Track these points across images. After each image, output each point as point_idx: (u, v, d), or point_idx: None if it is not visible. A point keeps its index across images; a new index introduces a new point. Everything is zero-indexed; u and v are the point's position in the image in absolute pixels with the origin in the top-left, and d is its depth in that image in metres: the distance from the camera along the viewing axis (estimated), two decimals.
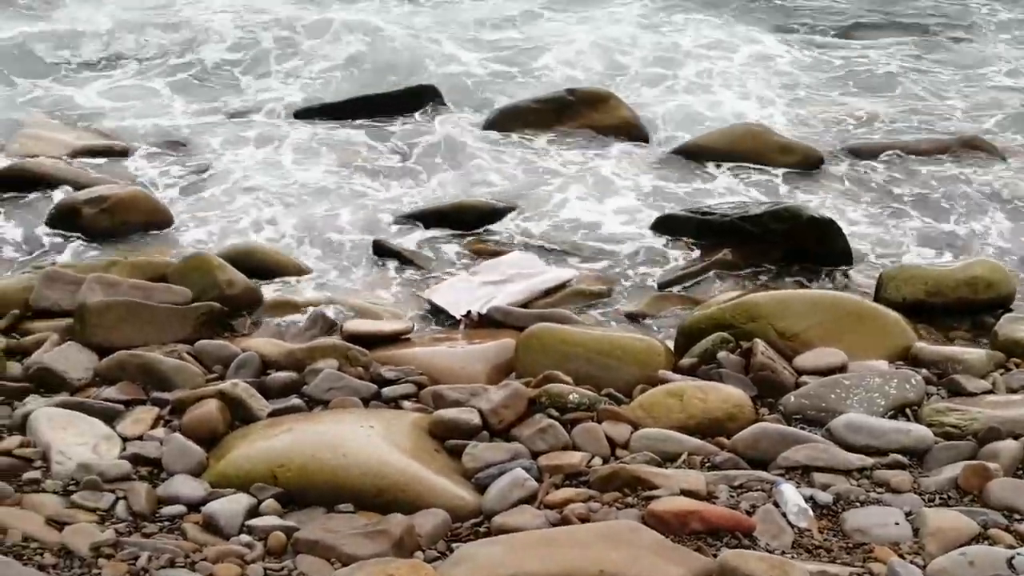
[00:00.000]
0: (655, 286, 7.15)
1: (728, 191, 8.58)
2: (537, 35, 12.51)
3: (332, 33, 12.16)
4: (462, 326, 6.53)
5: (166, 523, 4.53)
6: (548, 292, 6.87)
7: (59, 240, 7.74)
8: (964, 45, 12.54)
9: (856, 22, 13.26)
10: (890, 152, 9.22)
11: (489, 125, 9.82)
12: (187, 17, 12.76)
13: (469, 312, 6.56)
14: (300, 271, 7.17)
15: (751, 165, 8.97)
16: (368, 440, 4.84)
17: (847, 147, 9.44)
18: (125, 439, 5.12)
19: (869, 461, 4.90)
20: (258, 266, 7.01)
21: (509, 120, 9.84)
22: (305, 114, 10.14)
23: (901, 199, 8.49)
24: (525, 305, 6.64)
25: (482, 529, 4.48)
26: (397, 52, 11.88)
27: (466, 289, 6.84)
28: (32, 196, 8.31)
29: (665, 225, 7.86)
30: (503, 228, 7.90)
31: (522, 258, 7.29)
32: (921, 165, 9.03)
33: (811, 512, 4.50)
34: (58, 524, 4.43)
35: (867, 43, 12.48)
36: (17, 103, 10.45)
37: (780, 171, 8.87)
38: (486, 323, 6.50)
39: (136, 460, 4.91)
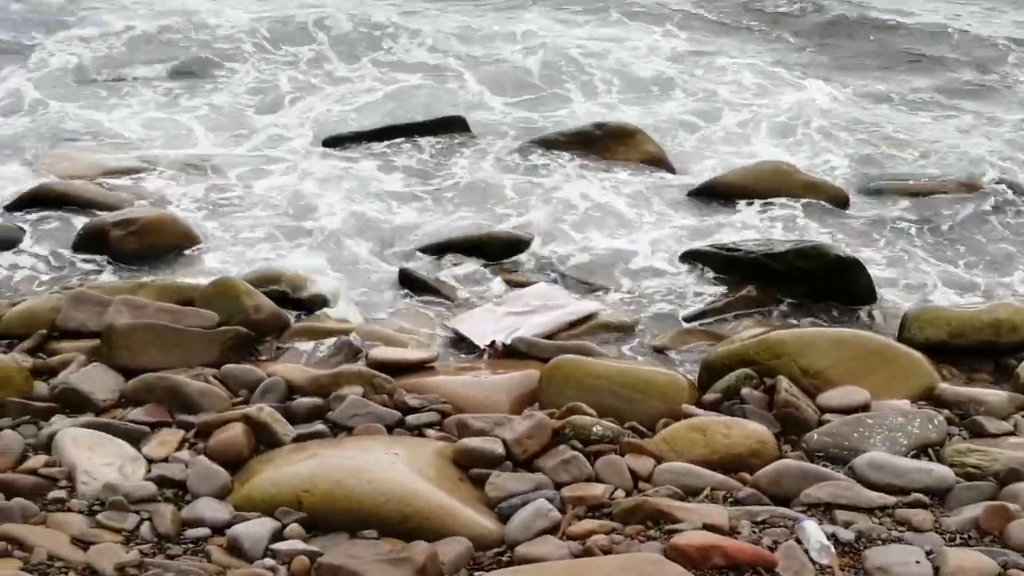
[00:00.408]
0: (679, 320, 7.16)
1: (753, 228, 8.58)
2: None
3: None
4: (486, 356, 6.55)
5: (190, 545, 4.56)
6: (573, 324, 6.88)
7: (86, 262, 7.79)
8: (994, 88, 12.52)
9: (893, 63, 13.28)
10: (917, 193, 9.22)
11: (514, 156, 9.85)
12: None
13: (493, 342, 6.59)
14: (327, 298, 7.16)
15: (776, 202, 8.97)
16: (393, 467, 4.86)
17: (874, 187, 9.44)
18: (151, 461, 5.15)
19: (891, 500, 4.90)
20: (285, 292, 7.02)
21: (535, 152, 9.87)
22: (333, 142, 10.18)
23: (927, 240, 8.49)
24: (549, 337, 6.66)
25: (504, 558, 4.49)
26: (424, 88, 11.96)
27: (490, 319, 6.87)
28: (60, 216, 8.37)
29: (690, 260, 7.87)
30: (528, 259, 7.91)
31: (548, 290, 7.31)
32: (948, 207, 9.02)
33: (833, 549, 4.50)
34: (83, 544, 4.47)
35: (902, 83, 12.47)
36: (47, 123, 10.50)
37: (805, 209, 8.86)
38: (510, 354, 6.51)
39: (161, 482, 4.94)
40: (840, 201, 9.09)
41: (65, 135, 10.16)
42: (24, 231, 8.16)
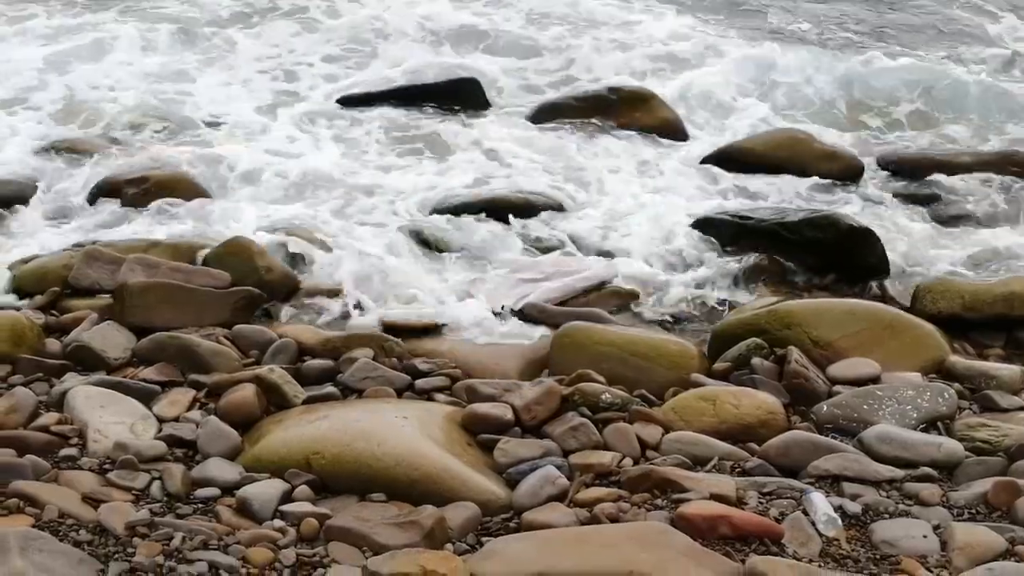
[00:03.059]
0: (690, 289, 7.14)
1: (766, 196, 8.54)
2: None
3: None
4: (497, 321, 6.55)
5: (200, 505, 4.57)
6: (585, 291, 6.87)
7: (99, 219, 7.79)
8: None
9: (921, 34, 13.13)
10: (933, 164, 9.15)
11: (530, 120, 9.82)
12: None
13: (504, 307, 6.58)
14: (337, 258, 7.12)
15: (791, 170, 8.92)
16: (402, 431, 4.88)
17: (890, 157, 9.38)
18: (161, 420, 5.18)
19: (899, 473, 4.90)
20: (296, 253, 7.01)
21: (549, 116, 9.84)
22: (348, 101, 10.15)
23: (941, 212, 8.44)
24: (561, 304, 6.65)
25: (512, 524, 4.51)
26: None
27: (503, 284, 6.86)
28: (74, 171, 8.37)
29: (702, 227, 7.82)
30: (540, 224, 7.89)
31: (562, 258, 7.30)
32: (963, 179, 8.95)
33: (840, 522, 4.51)
34: (94, 502, 4.49)
35: (925, 58, 12.35)
36: None
37: (820, 178, 8.81)
38: (521, 319, 6.52)
39: (172, 441, 4.96)
40: (856, 170, 9.03)
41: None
42: (37, 187, 8.16)
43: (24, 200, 7.96)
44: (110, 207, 7.85)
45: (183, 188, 8.01)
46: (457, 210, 7.97)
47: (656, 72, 11.15)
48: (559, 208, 8.12)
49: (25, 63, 10.48)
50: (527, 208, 8.01)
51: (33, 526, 4.26)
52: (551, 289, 6.76)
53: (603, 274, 7.07)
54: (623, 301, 6.89)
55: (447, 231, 7.67)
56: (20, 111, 9.56)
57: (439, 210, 8.00)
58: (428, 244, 7.53)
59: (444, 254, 7.43)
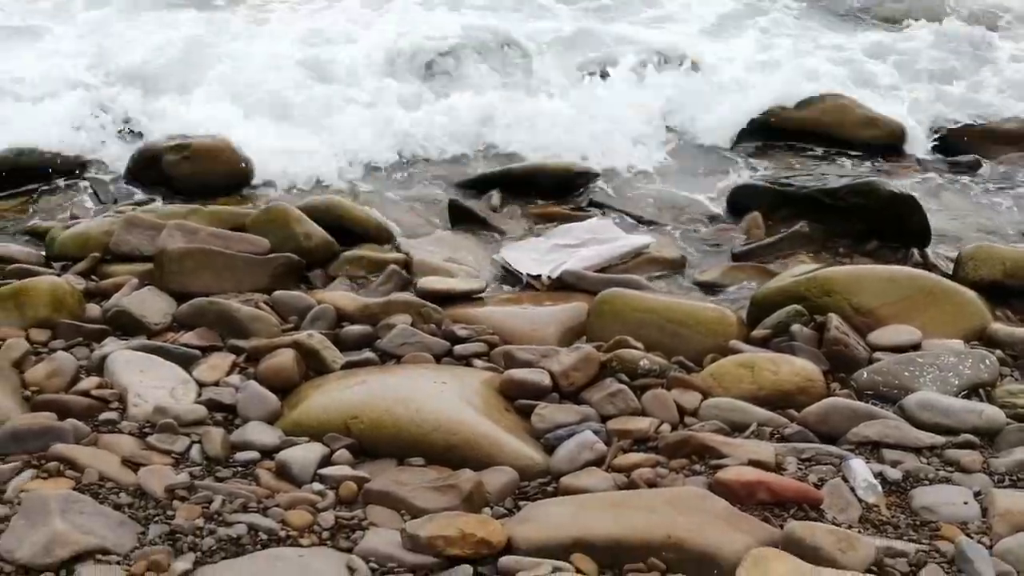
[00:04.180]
0: (729, 256, 7.13)
1: (808, 162, 8.52)
2: None
3: None
4: (533, 288, 6.54)
5: (239, 468, 4.58)
6: (622, 259, 6.86)
7: (139, 186, 7.83)
8: None
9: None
10: (976, 132, 9.10)
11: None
12: None
13: (539, 276, 6.58)
14: (378, 228, 7.14)
15: (833, 137, 8.89)
16: (441, 396, 4.89)
17: (933, 125, 9.33)
18: (201, 384, 5.18)
19: (940, 440, 4.87)
20: (335, 221, 6.98)
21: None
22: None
23: (984, 180, 8.40)
24: (599, 271, 6.63)
25: (550, 489, 4.50)
26: None
27: (539, 252, 6.85)
28: (115, 138, 8.44)
29: (742, 194, 7.81)
30: (578, 193, 7.88)
31: (599, 224, 7.28)
32: (1007, 147, 8.90)
33: (880, 488, 4.49)
34: (134, 465, 4.50)
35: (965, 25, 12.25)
36: None
37: (862, 145, 8.77)
38: (558, 287, 6.51)
39: (211, 405, 4.96)
40: (898, 137, 9.00)
41: None
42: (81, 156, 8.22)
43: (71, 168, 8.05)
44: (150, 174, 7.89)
45: (225, 156, 8.02)
46: (493, 179, 7.99)
47: None
48: (594, 174, 8.13)
49: None
50: (567, 176, 8.01)
51: (73, 489, 4.28)
52: (587, 257, 6.74)
53: (640, 241, 7.05)
54: (661, 268, 6.87)
55: (483, 200, 7.69)
56: None
57: (475, 181, 8.05)
58: (464, 213, 7.51)
59: (480, 223, 7.45)
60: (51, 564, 3.81)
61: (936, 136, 9.20)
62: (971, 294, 6.19)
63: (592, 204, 7.76)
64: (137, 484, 4.37)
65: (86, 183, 7.91)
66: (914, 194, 7.51)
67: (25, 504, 4.10)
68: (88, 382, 5.15)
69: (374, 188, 8.02)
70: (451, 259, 6.77)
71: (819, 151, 8.83)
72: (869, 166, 8.58)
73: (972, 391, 5.33)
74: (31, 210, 7.52)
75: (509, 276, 6.71)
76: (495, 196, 7.80)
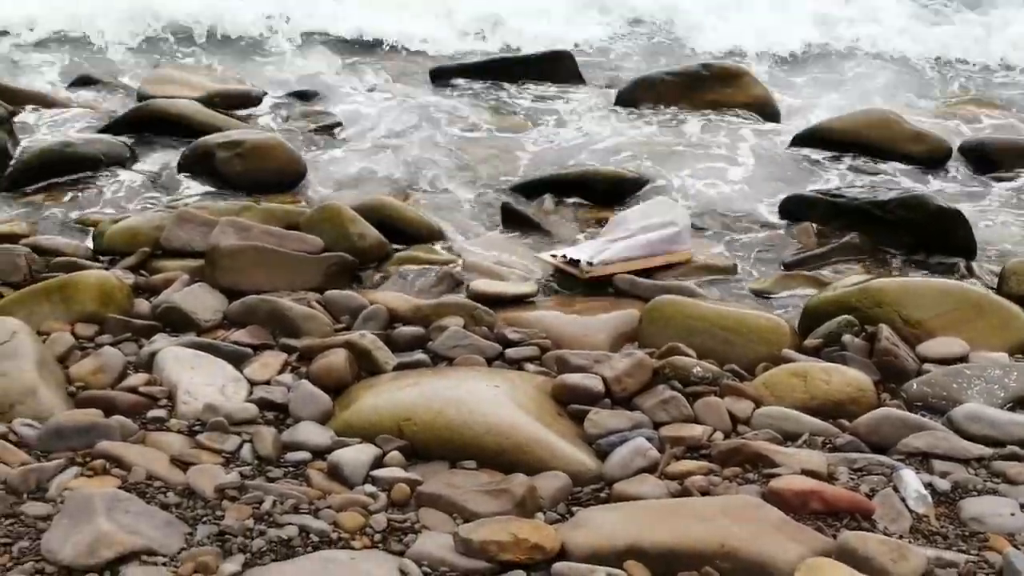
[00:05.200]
0: (781, 265, 7.11)
1: (855, 176, 8.50)
2: None
3: None
4: (573, 275, 6.55)
5: (290, 469, 4.57)
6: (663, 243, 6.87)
7: (190, 182, 7.86)
8: None
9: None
10: (1020, 150, 9.07)
11: (621, 95, 9.81)
12: None
13: (578, 262, 6.55)
14: (430, 229, 7.16)
15: (880, 151, 8.87)
16: (494, 399, 4.88)
17: (977, 141, 9.31)
18: (252, 383, 5.19)
19: (988, 451, 4.85)
20: (388, 222, 7.01)
21: (641, 91, 9.82)
22: (440, 74, 10.17)
23: None
24: (649, 276, 6.61)
25: (602, 495, 4.49)
26: None
27: (588, 247, 6.83)
28: (165, 137, 8.46)
29: (793, 205, 7.80)
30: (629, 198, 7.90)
31: (656, 203, 7.29)
32: None
33: (930, 499, 4.47)
34: (183, 464, 4.49)
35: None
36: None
37: (909, 159, 8.76)
38: (603, 280, 6.53)
39: (263, 404, 4.96)
40: (944, 153, 8.98)
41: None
42: (129, 148, 8.25)
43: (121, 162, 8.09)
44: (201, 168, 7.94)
45: (277, 154, 8.03)
46: (545, 183, 7.99)
47: None
48: (645, 182, 8.13)
49: None
50: (616, 182, 8.01)
51: (120, 488, 4.25)
52: (628, 247, 6.72)
53: (683, 230, 7.02)
54: (712, 276, 6.86)
55: (534, 204, 7.70)
56: None
57: (526, 185, 8.05)
58: (517, 217, 7.52)
59: (532, 227, 7.45)
60: (95, 565, 3.77)
61: (977, 149, 9.18)
62: (1016, 308, 6.17)
63: None
64: (186, 483, 4.35)
65: (135, 175, 7.93)
66: (960, 208, 7.48)
67: (69, 503, 4.08)
68: (136, 378, 5.15)
69: (425, 188, 8.01)
70: (501, 262, 6.78)
71: (865, 162, 8.80)
72: (916, 180, 8.55)
73: (1017, 403, 5.32)
74: (78, 202, 7.55)
75: (560, 280, 6.67)
76: (548, 199, 7.80)
